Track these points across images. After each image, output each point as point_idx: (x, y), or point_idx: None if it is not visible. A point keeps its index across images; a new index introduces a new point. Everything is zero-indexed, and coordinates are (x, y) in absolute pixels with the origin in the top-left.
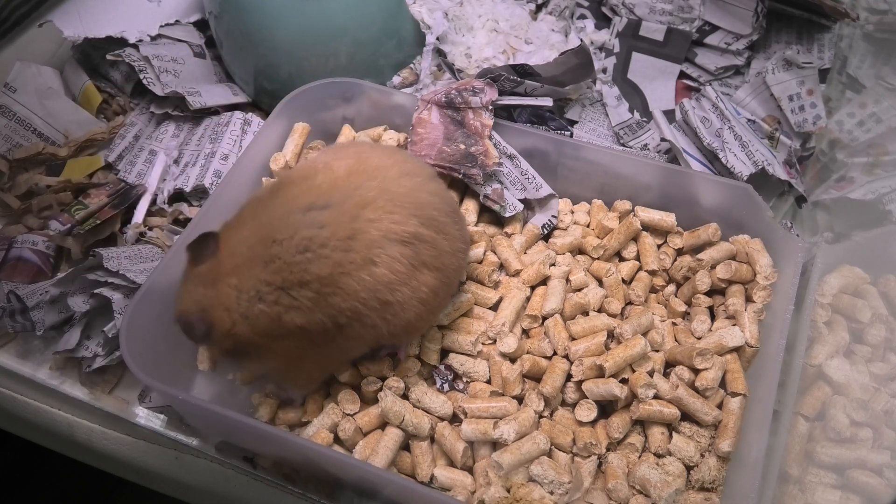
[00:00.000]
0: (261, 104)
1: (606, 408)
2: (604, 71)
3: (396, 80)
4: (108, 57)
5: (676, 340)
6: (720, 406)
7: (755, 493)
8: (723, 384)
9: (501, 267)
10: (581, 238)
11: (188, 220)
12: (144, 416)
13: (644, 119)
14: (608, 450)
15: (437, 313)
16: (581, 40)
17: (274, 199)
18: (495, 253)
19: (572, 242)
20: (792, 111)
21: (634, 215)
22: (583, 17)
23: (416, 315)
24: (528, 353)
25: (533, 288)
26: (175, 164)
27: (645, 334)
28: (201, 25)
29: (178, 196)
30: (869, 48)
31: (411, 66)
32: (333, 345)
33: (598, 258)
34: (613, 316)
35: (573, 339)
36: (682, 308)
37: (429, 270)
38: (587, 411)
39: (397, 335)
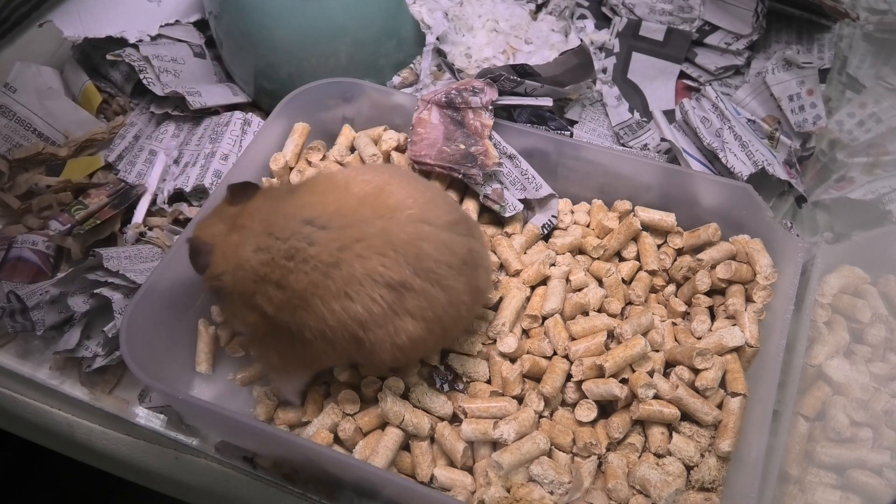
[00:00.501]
0: (261, 104)
1: (606, 408)
2: (604, 71)
3: (396, 80)
4: (108, 57)
5: (676, 340)
6: (720, 406)
7: (755, 493)
8: (723, 384)
9: (501, 267)
10: (581, 238)
11: (188, 220)
12: (144, 416)
13: (644, 119)
14: (608, 450)
15: (421, 357)
16: (581, 40)
17: (292, 196)
18: (495, 253)
19: (572, 242)
20: (792, 111)
21: (634, 215)
22: (583, 17)
23: (392, 357)
24: (528, 353)
25: (533, 288)
26: (175, 164)
27: (645, 334)
28: (201, 25)
29: (178, 196)
30: (869, 48)
31: (411, 66)
32: (301, 348)
33: (598, 258)
34: (613, 316)
35: (573, 339)
36: (682, 308)
37: (413, 319)
38: (587, 411)
39: (372, 369)
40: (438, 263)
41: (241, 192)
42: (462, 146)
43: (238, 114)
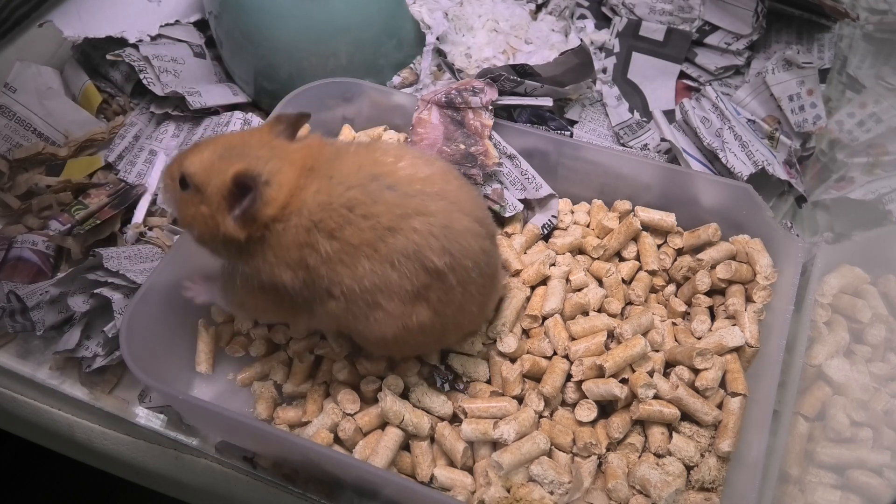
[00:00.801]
0: (261, 104)
1: (606, 408)
2: (604, 71)
3: (396, 80)
4: (108, 57)
5: (676, 340)
6: (720, 406)
7: (755, 493)
8: (723, 384)
9: (501, 267)
10: (581, 238)
11: None
12: (144, 416)
13: (644, 119)
14: (608, 450)
15: (418, 351)
16: (581, 40)
17: (361, 149)
18: None
19: (572, 242)
20: (792, 111)
21: (634, 215)
22: (583, 17)
23: (395, 337)
24: (528, 353)
25: (533, 288)
26: None
27: (645, 334)
28: (201, 25)
29: None
30: (869, 48)
31: (411, 66)
32: (315, 305)
33: (598, 258)
34: (613, 316)
35: (573, 339)
36: (682, 308)
37: (428, 308)
38: (587, 411)
39: (370, 343)
40: (475, 266)
41: (292, 122)
42: (462, 146)
43: (238, 114)
